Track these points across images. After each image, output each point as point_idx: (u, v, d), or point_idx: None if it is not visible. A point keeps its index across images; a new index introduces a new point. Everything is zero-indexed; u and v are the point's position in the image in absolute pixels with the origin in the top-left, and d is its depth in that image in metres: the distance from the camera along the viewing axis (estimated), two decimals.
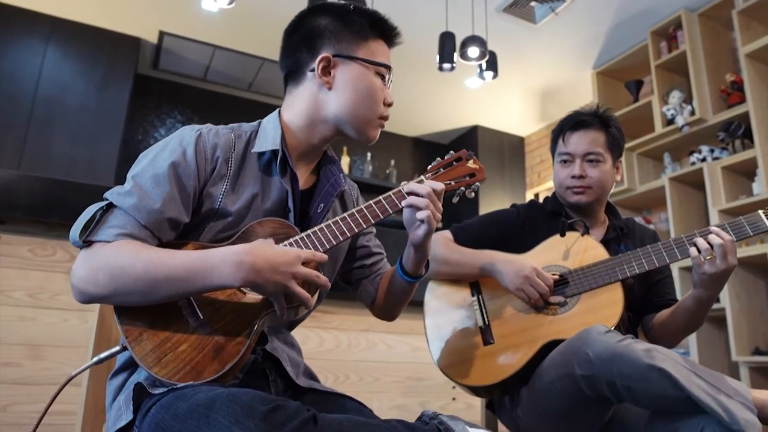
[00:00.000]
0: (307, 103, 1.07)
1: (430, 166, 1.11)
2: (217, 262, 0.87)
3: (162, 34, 4.26)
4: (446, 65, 3.07)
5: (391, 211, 1.03)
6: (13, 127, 3.75)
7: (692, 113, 3.54)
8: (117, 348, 0.89)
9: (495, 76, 3.26)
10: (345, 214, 1.00)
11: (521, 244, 1.46)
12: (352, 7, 1.07)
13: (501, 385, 1.29)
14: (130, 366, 0.94)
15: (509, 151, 5.66)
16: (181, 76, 4.86)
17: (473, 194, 1.11)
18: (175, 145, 0.98)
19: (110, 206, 0.91)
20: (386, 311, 1.24)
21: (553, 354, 1.22)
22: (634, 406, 1.17)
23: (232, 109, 5.11)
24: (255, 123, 1.11)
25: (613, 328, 1.21)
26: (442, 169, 1.10)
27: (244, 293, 0.94)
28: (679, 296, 1.50)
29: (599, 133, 1.51)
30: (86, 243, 0.88)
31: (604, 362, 1.09)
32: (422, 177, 1.07)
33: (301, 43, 1.07)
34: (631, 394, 1.09)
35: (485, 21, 3.52)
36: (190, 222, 0.98)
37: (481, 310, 1.38)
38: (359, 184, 5.54)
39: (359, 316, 2.44)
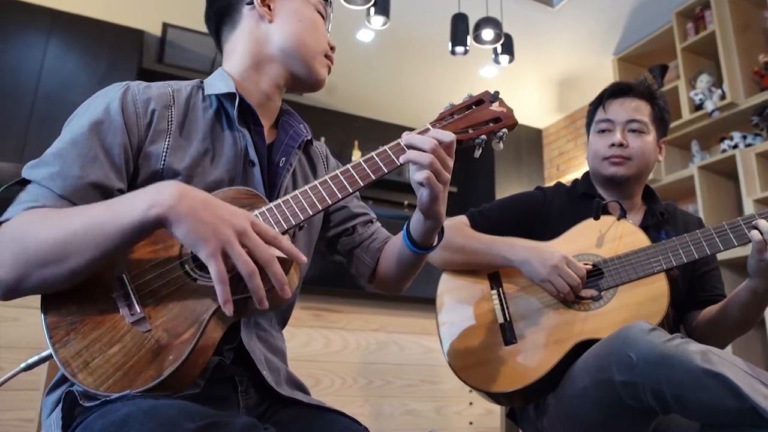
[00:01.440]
0: (248, 42, 0.95)
1: (441, 112, 0.91)
2: (135, 192, 0.71)
3: (166, 27, 4.13)
4: (459, 48, 2.90)
5: (386, 170, 0.83)
6: (15, 122, 3.65)
7: (722, 97, 3.33)
8: (46, 353, 0.73)
9: (511, 60, 3.08)
10: (326, 176, 0.82)
11: (547, 231, 1.29)
12: None
13: (524, 392, 1.11)
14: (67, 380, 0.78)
15: (526, 143, 5.47)
16: (187, 70, 4.73)
17: (500, 145, 0.92)
18: (98, 102, 0.83)
19: (23, 183, 0.77)
20: (390, 284, 1.04)
21: (586, 356, 1.05)
22: (683, 417, 1.00)
23: None
24: (195, 80, 0.96)
25: (657, 326, 1.04)
26: (455, 116, 0.91)
27: (195, 279, 0.76)
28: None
29: (645, 103, 1.35)
30: None
31: (650, 366, 0.92)
32: (428, 125, 0.88)
33: None
34: (681, 404, 0.92)
35: (500, 4, 3.34)
36: (131, 190, 0.80)
37: (502, 306, 1.21)
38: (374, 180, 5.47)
39: (368, 314, 2.28)
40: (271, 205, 0.80)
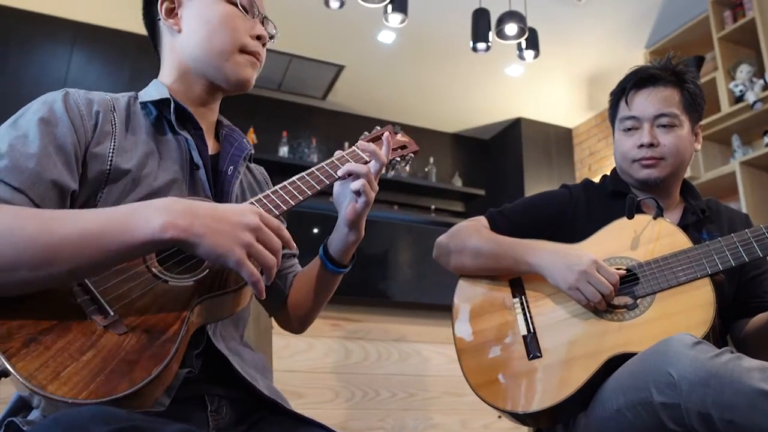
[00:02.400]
0: (168, 56, 0.94)
1: (359, 141, 1.01)
2: (139, 209, 0.67)
3: None
4: (480, 45, 2.78)
5: (327, 182, 0.90)
6: None
7: (765, 88, 3.14)
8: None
9: (536, 56, 2.96)
10: (276, 187, 0.84)
11: (575, 232, 1.18)
12: None
13: (551, 412, 1.00)
14: (21, 410, 0.70)
15: (556, 144, 5.31)
16: None
17: (407, 167, 0.97)
18: (38, 105, 0.80)
19: None
20: (298, 315, 1.02)
21: (620, 372, 0.93)
22: None
23: (263, 109, 4.95)
24: (130, 92, 0.93)
25: (702, 339, 0.91)
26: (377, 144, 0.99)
27: (166, 281, 0.70)
28: None
29: (673, 91, 1.21)
30: None
31: (695, 387, 0.80)
32: (354, 147, 0.97)
33: None
34: (733, 428, 0.79)
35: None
36: (81, 193, 0.78)
37: (525, 315, 1.09)
38: (397, 184, 5.26)
39: (389, 323, 2.19)
40: (253, 200, 0.80)
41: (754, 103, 3.12)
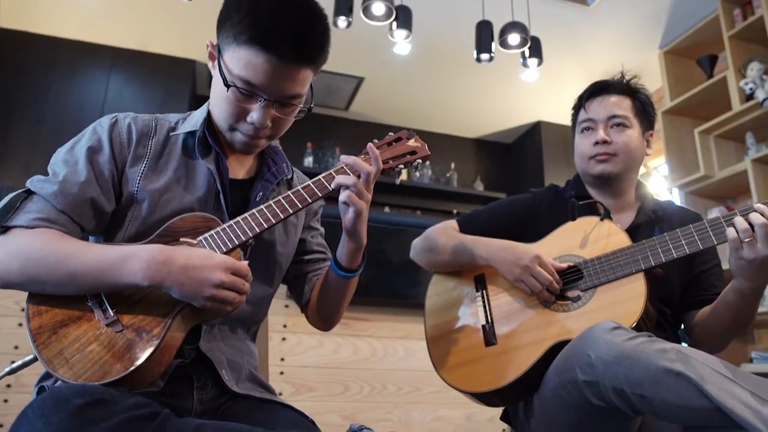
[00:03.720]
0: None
1: (365, 149, 1.03)
2: (130, 258, 0.83)
3: None
4: (484, 56, 2.91)
5: (319, 194, 0.96)
6: None
7: None
8: (31, 357, 0.84)
9: (540, 64, 3.05)
10: (270, 201, 0.94)
11: (537, 233, 1.30)
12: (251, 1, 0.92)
13: (503, 393, 1.13)
14: (49, 378, 0.89)
15: None
16: None
17: (417, 173, 1.09)
18: (90, 132, 0.98)
19: (30, 193, 0.90)
20: (320, 314, 1.13)
21: (558, 357, 1.06)
22: (656, 418, 0.98)
23: (295, 124, 5.16)
24: (185, 113, 1.06)
25: (631, 327, 1.03)
26: (384, 150, 1.04)
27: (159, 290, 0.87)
28: None
29: (624, 98, 1.34)
30: (3, 228, 0.87)
31: (609, 365, 0.92)
32: (353, 157, 1.00)
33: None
34: (646, 403, 0.91)
35: (527, 8, 3.32)
36: (114, 213, 0.95)
37: (485, 307, 1.23)
38: (418, 190, 5.38)
39: (396, 323, 2.32)
40: (224, 226, 0.92)
41: (764, 100, 3.13)
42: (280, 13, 0.90)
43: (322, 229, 1.22)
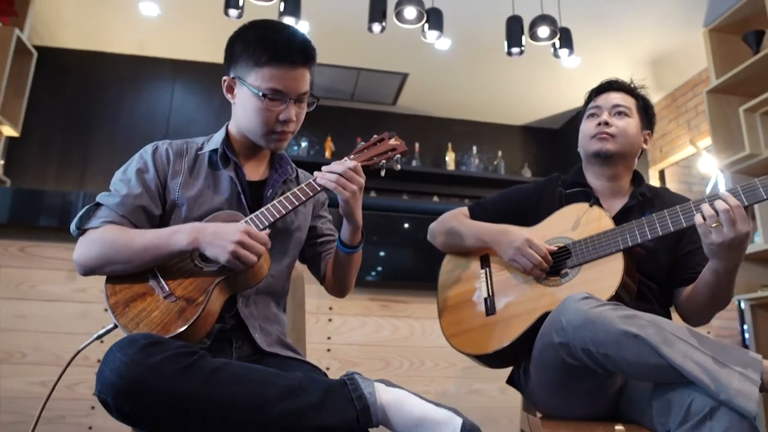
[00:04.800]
0: (233, 113, 1.30)
1: (356, 148, 1.27)
2: (176, 232, 1.10)
3: None
4: (515, 50, 3.03)
5: (311, 193, 1.20)
6: None
7: None
8: (111, 325, 1.10)
9: (570, 54, 3.13)
10: (281, 197, 1.18)
11: (537, 218, 1.46)
12: (259, 32, 1.22)
13: (500, 355, 1.31)
14: None
15: None
16: None
17: (398, 166, 1.29)
18: (138, 158, 1.25)
19: (98, 205, 1.18)
20: (334, 285, 1.37)
21: (543, 325, 1.22)
22: (623, 376, 1.14)
23: (338, 118, 5.41)
24: (209, 135, 1.34)
25: (608, 299, 1.18)
26: (365, 150, 1.27)
27: (201, 268, 1.11)
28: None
29: (629, 96, 1.51)
30: (82, 231, 1.15)
31: (577, 329, 1.08)
32: (346, 158, 1.23)
33: (224, 64, 1.28)
34: (610, 361, 1.06)
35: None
36: (162, 216, 1.22)
37: (487, 282, 1.41)
38: (466, 179, 5.50)
39: (432, 304, 2.49)
40: (246, 219, 1.17)
41: None
42: (279, 35, 1.21)
43: (330, 216, 1.47)
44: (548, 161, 5.69)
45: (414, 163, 5.29)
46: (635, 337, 1.03)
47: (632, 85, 1.54)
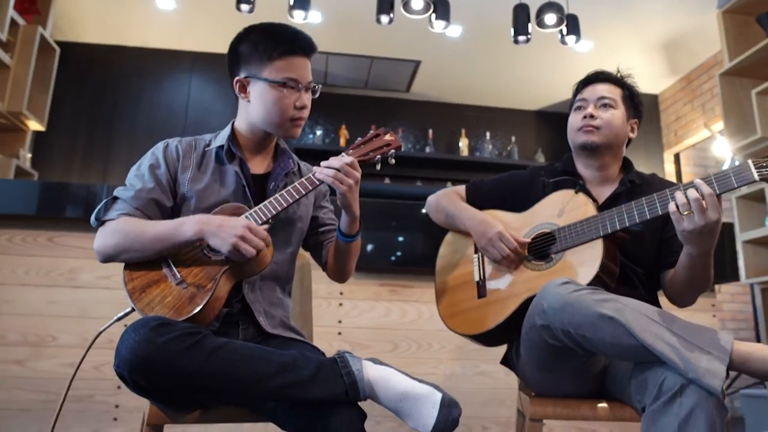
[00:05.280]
0: (242, 112, 1.39)
1: (353, 143, 1.35)
2: (184, 223, 1.21)
3: None
4: (521, 38, 3.06)
5: (310, 187, 1.28)
6: None
7: None
8: (129, 308, 1.21)
9: (578, 41, 3.15)
10: (282, 191, 1.27)
11: (528, 204, 1.53)
12: (265, 32, 1.33)
13: (491, 335, 1.40)
14: None
15: None
16: None
17: (393, 160, 1.35)
18: (150, 155, 1.35)
19: (115, 198, 1.29)
20: (335, 271, 1.46)
21: (529, 308, 1.30)
22: (602, 355, 1.21)
23: (352, 106, 5.49)
24: (215, 132, 1.43)
25: (588, 284, 1.25)
26: (362, 146, 1.34)
27: (209, 257, 1.22)
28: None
29: (615, 87, 1.54)
30: (101, 222, 1.27)
31: (557, 312, 1.15)
32: (344, 153, 1.31)
33: (228, 68, 1.39)
34: (588, 342, 1.14)
35: None
36: (173, 208, 1.32)
37: (480, 266, 1.49)
38: (480, 165, 5.54)
39: None
40: (251, 211, 1.26)
41: None
42: (284, 31, 1.34)
43: (331, 206, 1.56)
44: (562, 146, 5.62)
45: (428, 149, 5.35)
46: (611, 319, 1.10)
47: (619, 75, 1.57)
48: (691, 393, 1.04)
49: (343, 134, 5.25)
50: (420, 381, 1.07)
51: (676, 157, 5.20)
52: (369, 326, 2.48)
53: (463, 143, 5.45)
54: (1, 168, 3.38)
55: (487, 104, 5.67)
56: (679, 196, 1.19)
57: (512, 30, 3.09)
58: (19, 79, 3.41)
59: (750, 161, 1.15)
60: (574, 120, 1.55)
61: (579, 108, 1.55)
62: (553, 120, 5.77)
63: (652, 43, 4.54)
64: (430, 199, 1.70)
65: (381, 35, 4.43)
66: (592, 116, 1.50)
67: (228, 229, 1.17)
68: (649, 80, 5.10)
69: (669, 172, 5.15)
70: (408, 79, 5.26)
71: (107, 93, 4.64)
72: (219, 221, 1.20)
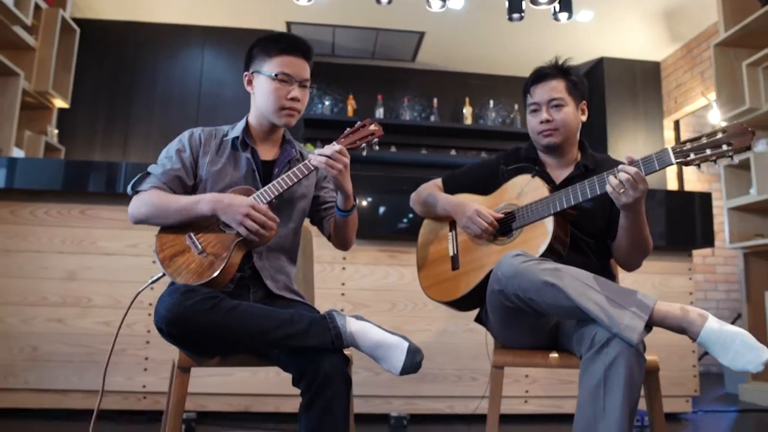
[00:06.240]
0: (252, 106, 1.63)
1: (343, 132, 1.56)
2: (200, 200, 1.46)
3: (289, 24, 4.94)
4: (515, 15, 3.20)
5: (306, 171, 1.49)
6: (187, 120, 4.77)
7: None
8: (161, 273, 1.48)
9: (570, 17, 3.28)
10: (283, 175, 1.50)
11: (495, 188, 1.75)
12: (272, 37, 1.58)
13: (464, 300, 1.65)
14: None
15: (642, 79, 5.38)
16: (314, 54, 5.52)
17: (377, 147, 1.57)
18: (178, 140, 1.61)
19: (148, 174, 1.56)
20: (337, 241, 1.69)
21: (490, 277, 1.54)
22: (550, 315, 1.45)
23: (362, 76, 5.65)
24: (234, 123, 1.67)
25: (540, 254, 1.49)
26: (350, 135, 1.55)
27: (224, 231, 1.46)
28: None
29: (559, 81, 1.70)
30: (135, 192, 1.53)
31: (509, 279, 1.39)
32: (334, 142, 1.52)
33: (243, 67, 1.62)
34: (535, 304, 1.38)
35: None
36: (194, 186, 1.58)
37: (453, 242, 1.73)
38: (483, 132, 5.70)
39: None
40: (258, 193, 1.49)
41: None
42: (285, 35, 1.62)
43: (332, 186, 1.75)
44: None
45: (432, 118, 5.52)
46: (552, 285, 1.33)
47: (558, 65, 1.73)
48: (615, 344, 1.27)
49: (351, 104, 5.43)
50: (391, 333, 1.32)
51: (676, 123, 5.31)
52: (369, 288, 2.75)
53: (467, 111, 5.61)
54: (31, 144, 3.66)
55: (490, 72, 5.78)
56: (612, 179, 1.41)
57: (506, 3, 3.22)
58: (44, 59, 3.65)
59: (669, 148, 1.37)
60: (533, 124, 1.73)
61: (534, 111, 1.73)
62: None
63: (652, 11, 4.61)
64: (413, 195, 1.91)
65: (385, 8, 4.56)
66: (548, 120, 1.68)
67: (235, 208, 1.41)
68: (651, 48, 5.18)
69: (668, 139, 5.28)
70: (414, 49, 5.39)
71: (125, 69, 4.87)
72: (228, 200, 1.43)
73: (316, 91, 5.65)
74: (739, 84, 3.82)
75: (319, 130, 5.23)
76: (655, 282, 2.90)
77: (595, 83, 5.51)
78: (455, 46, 5.29)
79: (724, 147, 1.31)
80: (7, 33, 3.33)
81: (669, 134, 5.29)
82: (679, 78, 5.12)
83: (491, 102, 5.65)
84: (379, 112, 5.44)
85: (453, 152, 5.60)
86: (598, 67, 5.43)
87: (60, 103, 3.91)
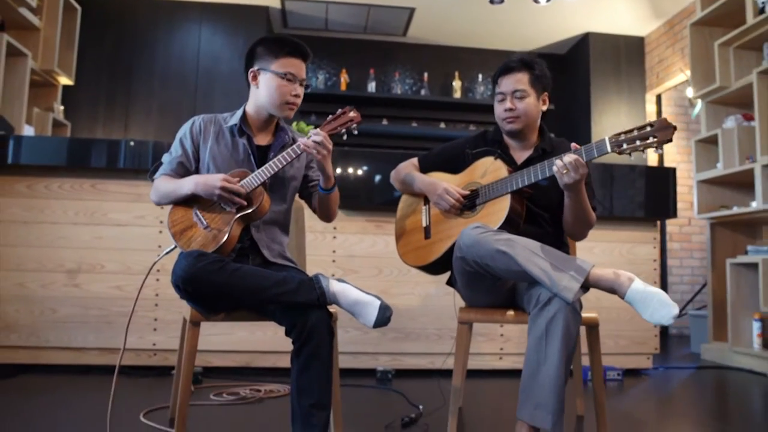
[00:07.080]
0: (253, 96, 1.83)
1: (326, 119, 1.77)
2: (187, 181, 1.72)
3: (283, 1, 5.07)
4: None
5: (294, 155, 1.70)
6: (186, 95, 4.95)
7: None
8: (173, 246, 1.72)
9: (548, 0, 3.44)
10: (275, 158, 1.71)
11: (463, 168, 1.98)
12: (276, 39, 1.78)
13: (434, 265, 1.90)
14: None
15: (626, 54, 5.53)
16: (307, 29, 5.67)
17: (356, 132, 1.76)
18: (183, 129, 1.83)
19: (161, 163, 1.80)
20: (321, 214, 1.92)
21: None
22: (504, 278, 1.70)
23: (354, 50, 5.80)
24: (233, 111, 1.88)
25: (498, 226, 1.73)
26: (332, 122, 1.76)
27: (225, 209, 1.70)
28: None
29: (523, 74, 1.92)
30: (153, 180, 1.79)
31: (469, 247, 1.64)
32: (318, 129, 1.73)
33: (245, 64, 1.81)
34: (491, 269, 1.62)
35: None
36: (196, 169, 1.81)
37: (426, 215, 1.97)
38: (472, 106, 5.90)
39: None
40: (253, 174, 1.71)
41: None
42: (289, 39, 1.78)
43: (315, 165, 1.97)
44: (555, 87, 5.80)
45: (423, 92, 5.69)
46: (504, 253, 1.58)
47: (524, 59, 1.94)
48: (555, 303, 1.52)
49: (344, 78, 5.59)
50: (366, 293, 1.57)
51: (658, 98, 5.50)
52: (358, 255, 3.00)
53: (457, 85, 5.78)
54: (40, 120, 3.86)
55: (480, 46, 5.93)
56: (558, 162, 1.64)
57: None
58: (48, 39, 3.81)
59: (607, 138, 1.59)
60: (499, 111, 1.94)
61: (501, 100, 1.94)
62: (545, 62, 6.00)
63: None
64: (392, 173, 2.14)
65: None
66: (511, 109, 1.90)
67: (210, 183, 1.66)
68: (635, 23, 5.32)
69: (650, 112, 5.47)
70: (404, 24, 5.53)
71: (125, 46, 5.02)
72: (203, 180, 1.68)
73: (311, 65, 5.81)
74: (712, 62, 4.00)
75: (313, 103, 5.42)
76: (623, 251, 3.15)
77: (580, 58, 5.67)
78: (445, 21, 5.42)
79: (651, 139, 1.53)
80: (14, 15, 3.50)
81: (651, 108, 5.48)
82: (662, 54, 5.28)
83: (480, 76, 5.81)
84: (371, 86, 5.60)
85: (443, 125, 5.79)
86: (583, 42, 5.58)
87: (65, 80, 4.09)
